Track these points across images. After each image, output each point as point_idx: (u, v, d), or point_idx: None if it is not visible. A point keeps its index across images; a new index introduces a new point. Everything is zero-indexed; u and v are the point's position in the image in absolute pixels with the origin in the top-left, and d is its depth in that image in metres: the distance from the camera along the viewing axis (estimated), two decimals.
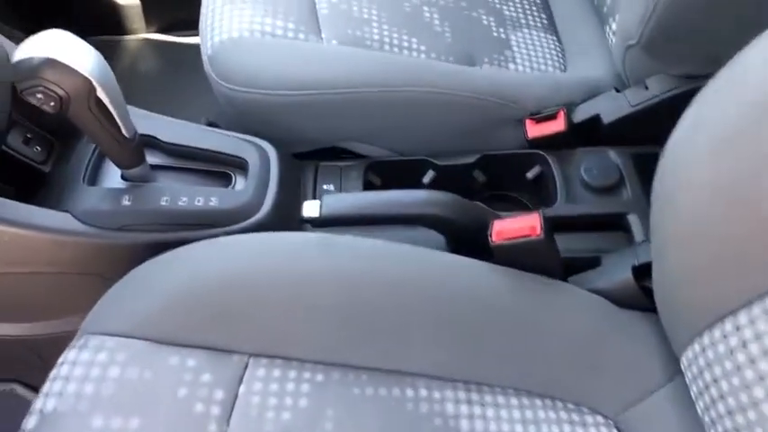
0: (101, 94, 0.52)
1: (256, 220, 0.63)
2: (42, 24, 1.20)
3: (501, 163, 0.75)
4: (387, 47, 0.77)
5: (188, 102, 1.03)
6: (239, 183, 0.67)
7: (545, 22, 0.89)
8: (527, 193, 0.78)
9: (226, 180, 0.67)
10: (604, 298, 0.59)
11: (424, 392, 0.53)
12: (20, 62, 0.49)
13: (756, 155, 0.41)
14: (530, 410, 0.53)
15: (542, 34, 0.86)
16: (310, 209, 0.62)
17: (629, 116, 0.72)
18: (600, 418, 0.53)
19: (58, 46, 0.50)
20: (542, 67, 0.82)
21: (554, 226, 0.60)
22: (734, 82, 0.45)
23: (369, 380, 0.53)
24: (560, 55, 0.84)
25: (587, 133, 0.74)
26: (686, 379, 0.51)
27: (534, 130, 0.74)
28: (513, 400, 0.53)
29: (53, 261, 0.61)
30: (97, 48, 1.20)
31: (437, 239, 0.65)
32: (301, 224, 0.63)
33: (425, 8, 0.84)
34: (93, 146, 0.65)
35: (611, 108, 0.73)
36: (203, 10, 0.80)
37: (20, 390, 0.78)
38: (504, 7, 0.88)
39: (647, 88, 0.72)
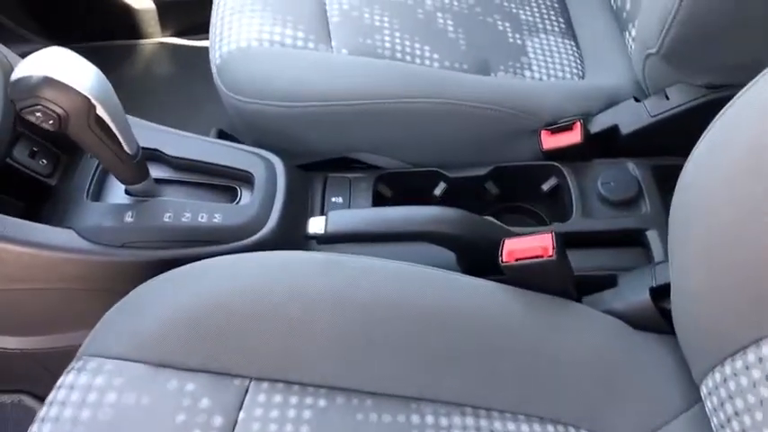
0: (100, 111, 0.51)
1: (261, 236, 0.62)
2: (59, 28, 1.21)
3: (514, 175, 0.73)
4: (398, 55, 0.75)
5: (201, 107, 1.03)
6: (245, 197, 0.66)
7: (563, 26, 0.86)
8: (542, 205, 0.75)
9: (232, 194, 0.66)
10: (620, 320, 0.57)
11: (430, 419, 0.51)
12: (18, 81, 0.48)
13: None
14: None
15: (560, 40, 0.83)
16: (315, 225, 0.60)
17: (648, 127, 0.69)
18: None
19: (56, 64, 0.49)
20: (559, 74, 0.79)
21: (569, 242, 0.57)
22: (758, 100, 0.42)
23: (373, 405, 0.51)
24: (578, 61, 0.82)
25: (605, 144, 0.72)
26: (706, 408, 0.49)
27: (549, 142, 0.71)
28: (524, 427, 0.51)
29: (58, 278, 0.60)
30: (112, 52, 1.20)
31: (447, 255, 0.63)
32: (307, 240, 0.62)
33: (439, 14, 0.82)
34: (98, 161, 0.64)
35: (629, 118, 0.70)
36: (212, 19, 0.79)
37: (28, 401, 0.78)
38: (521, 12, 0.86)
39: (667, 98, 0.69)
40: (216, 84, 0.75)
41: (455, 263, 0.64)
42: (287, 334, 0.53)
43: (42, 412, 0.49)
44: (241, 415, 0.49)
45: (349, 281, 0.55)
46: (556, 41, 0.83)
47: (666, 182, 0.63)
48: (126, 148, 0.56)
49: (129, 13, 1.19)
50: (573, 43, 0.84)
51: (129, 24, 1.20)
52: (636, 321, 0.57)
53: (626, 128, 0.70)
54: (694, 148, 0.48)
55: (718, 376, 0.46)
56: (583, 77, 0.80)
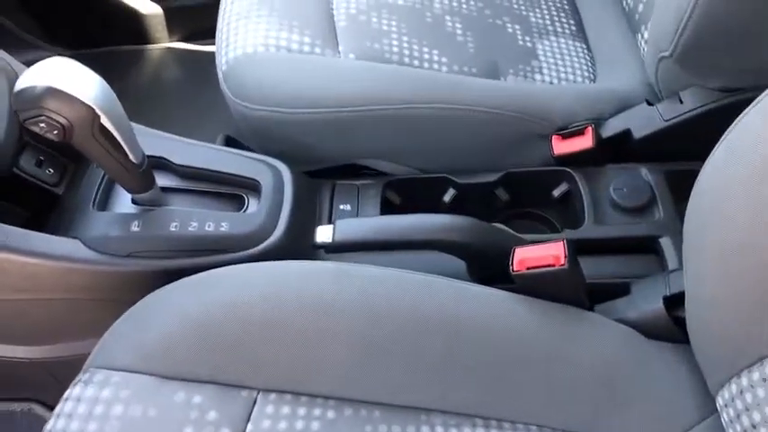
0: (105, 121, 0.51)
1: (268, 244, 0.61)
2: (65, 34, 1.21)
3: (525, 181, 0.72)
4: (407, 60, 0.74)
5: (209, 112, 1.02)
6: (252, 205, 0.65)
7: (574, 28, 0.85)
8: (553, 211, 0.74)
9: (239, 202, 0.66)
10: (633, 329, 0.56)
11: (440, 430, 0.50)
12: (22, 91, 0.48)
13: None
14: None
15: (571, 42, 0.82)
16: (323, 234, 0.59)
17: (661, 131, 0.68)
18: None
19: (60, 74, 0.48)
20: (570, 77, 0.78)
21: (580, 249, 0.56)
22: None
23: (382, 416, 0.50)
24: (590, 64, 0.80)
25: (617, 149, 0.70)
26: (722, 420, 0.48)
27: (561, 147, 0.70)
28: None
29: (63, 288, 0.60)
30: (119, 58, 1.20)
31: (457, 263, 0.62)
32: (315, 249, 0.61)
33: (447, 18, 0.81)
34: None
35: (642, 122, 0.69)
36: (219, 25, 0.79)
37: (38, 409, 0.78)
38: (531, 14, 0.85)
39: (681, 102, 0.67)
40: (222, 90, 0.75)
41: (465, 271, 0.63)
42: (295, 345, 0.52)
43: (50, 425, 0.48)
44: (249, 427, 0.49)
45: (358, 291, 0.54)
46: (567, 44, 0.82)
47: (680, 188, 0.62)
48: (131, 157, 0.55)
49: (136, 18, 1.19)
50: (584, 46, 0.83)
51: (137, 30, 1.20)
52: (649, 330, 0.55)
53: (638, 132, 0.69)
54: (711, 154, 0.47)
55: (734, 388, 0.45)
56: (594, 81, 0.78)
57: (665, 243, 0.62)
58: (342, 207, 0.70)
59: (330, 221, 0.69)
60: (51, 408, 0.73)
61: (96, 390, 0.49)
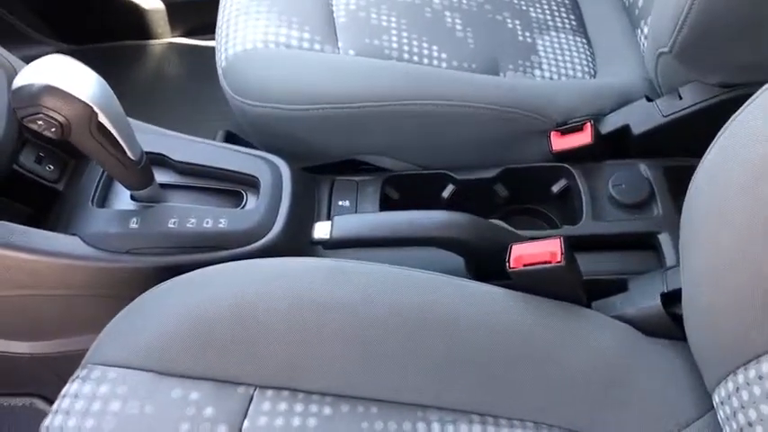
0: (102, 119, 0.51)
1: (266, 241, 0.61)
2: (67, 29, 1.21)
3: (524, 177, 0.71)
4: (406, 56, 0.74)
5: (210, 108, 1.02)
6: (251, 201, 0.65)
7: (574, 24, 0.84)
8: (552, 207, 0.74)
9: (237, 198, 0.66)
10: (630, 325, 0.56)
11: (437, 426, 0.50)
12: (19, 89, 0.48)
13: None
14: None
15: (571, 37, 0.82)
16: (321, 230, 0.60)
17: (660, 127, 0.67)
18: None
19: (57, 72, 0.49)
20: (570, 72, 0.78)
21: (578, 245, 0.56)
22: None
23: (379, 413, 0.50)
24: (590, 60, 0.80)
25: (616, 145, 0.70)
26: (719, 417, 0.48)
27: (559, 143, 0.70)
28: None
29: (64, 284, 0.60)
30: (122, 52, 1.20)
31: (455, 260, 0.62)
32: (313, 245, 0.61)
33: (447, 13, 0.80)
34: None
35: (641, 118, 0.69)
36: (219, 21, 0.79)
37: (39, 404, 0.78)
38: (531, 9, 0.84)
39: (680, 97, 0.67)
40: (222, 86, 0.75)
41: (463, 267, 0.63)
42: (292, 342, 0.52)
43: (47, 421, 0.49)
44: (245, 423, 0.49)
45: (355, 288, 0.54)
46: (567, 39, 0.81)
47: (679, 183, 0.61)
48: (129, 153, 0.56)
49: (138, 13, 1.19)
50: (584, 41, 0.82)
51: (139, 25, 1.20)
52: (646, 327, 0.55)
53: (638, 128, 0.69)
54: (707, 152, 0.47)
55: (731, 385, 0.45)
56: (594, 76, 0.78)
57: (664, 239, 0.62)
58: (340, 203, 0.70)
59: (329, 218, 0.69)
60: (52, 402, 0.74)
61: (93, 386, 0.50)
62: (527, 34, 0.81)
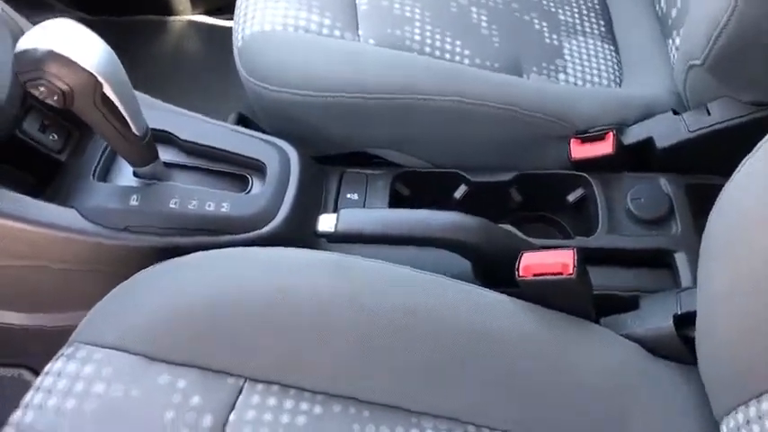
0: (107, 90, 0.49)
1: (269, 229, 0.59)
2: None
3: (540, 183, 0.69)
4: (428, 49, 0.72)
5: (225, 89, 1.00)
6: (256, 187, 0.63)
7: (603, 29, 0.82)
8: (566, 216, 0.72)
9: (242, 183, 0.64)
10: (639, 345, 0.54)
11: None
12: (23, 52, 0.46)
13: None
14: None
15: (599, 43, 0.79)
16: (326, 223, 0.58)
17: (685, 142, 0.65)
18: None
19: (63, 38, 0.47)
20: (596, 79, 0.75)
21: (591, 257, 0.54)
22: None
23: (371, 416, 0.49)
24: (616, 67, 0.78)
25: (638, 157, 0.68)
26: None
27: (579, 151, 0.67)
28: None
29: (59, 257, 0.59)
30: (141, 26, 1.18)
31: (462, 262, 0.60)
32: (317, 238, 0.59)
33: (473, 9, 0.78)
34: None
35: (666, 132, 0.66)
36: (238, 0, 0.77)
37: (27, 375, 0.77)
38: (560, 11, 0.82)
39: (708, 113, 0.64)
40: (237, 66, 0.73)
41: (470, 271, 0.61)
42: (287, 335, 0.50)
43: (27, 397, 0.47)
44: (232, 416, 0.47)
45: (357, 286, 0.52)
46: (594, 45, 0.79)
47: (701, 202, 0.59)
48: (133, 128, 0.54)
49: None
50: (612, 48, 0.80)
51: (161, 0, 1.19)
52: (656, 348, 0.53)
53: (661, 141, 0.66)
54: (736, 171, 0.45)
55: (740, 417, 0.43)
56: (620, 84, 0.76)
57: (680, 259, 0.60)
58: (349, 196, 0.68)
59: (335, 210, 0.67)
60: None
61: (78, 365, 0.48)
62: (554, 37, 0.79)
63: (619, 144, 0.67)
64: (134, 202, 0.58)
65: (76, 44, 0.47)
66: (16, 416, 0.46)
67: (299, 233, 0.61)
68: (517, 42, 0.76)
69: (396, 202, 0.69)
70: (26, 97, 0.60)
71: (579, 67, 0.76)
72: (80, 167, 0.61)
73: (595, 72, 0.76)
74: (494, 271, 0.58)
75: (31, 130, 0.61)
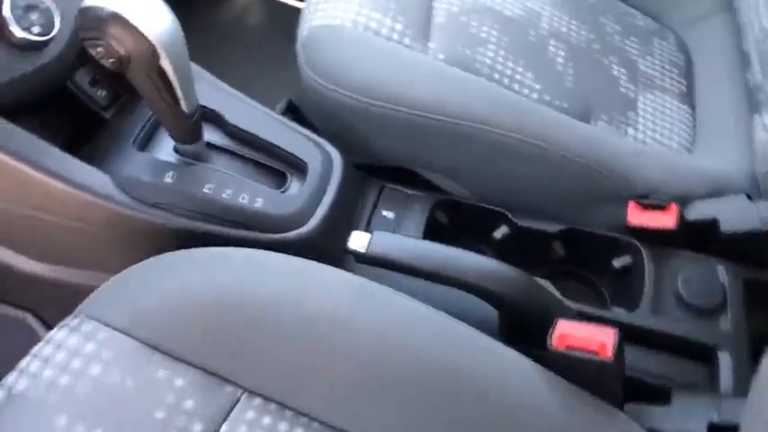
0: (164, 62, 0.47)
1: (299, 234, 0.57)
2: None
3: (587, 241, 0.65)
4: (497, 75, 0.68)
5: (281, 72, 0.98)
6: (293, 186, 0.61)
7: (683, 89, 0.77)
8: (607, 282, 0.67)
9: (281, 179, 0.61)
10: None
11: None
12: (86, 9, 0.44)
13: None
14: None
15: (676, 102, 0.75)
16: (357, 241, 0.55)
17: (754, 233, 0.60)
18: None
19: (131, 2, 0.44)
20: (666, 140, 0.71)
21: (627, 335, 0.50)
22: None
23: None
24: (690, 132, 0.73)
25: (697, 236, 0.63)
26: None
27: (637, 217, 0.63)
28: None
29: (83, 218, 0.57)
30: None
31: (489, 308, 0.57)
32: (345, 254, 0.56)
33: (552, 41, 0.74)
34: None
35: (734, 216, 0.61)
36: None
37: (31, 320, 0.76)
38: (641, 61, 0.78)
39: None
40: (298, 56, 0.70)
41: (495, 317, 0.58)
42: (295, 353, 0.48)
43: (24, 363, 0.45)
44: (224, 427, 0.45)
45: (375, 317, 0.49)
46: (671, 103, 0.74)
47: (758, 299, 0.55)
48: (183, 106, 0.52)
49: None
50: (689, 110, 0.75)
51: None
52: None
53: (727, 226, 0.61)
54: None
55: None
56: (690, 152, 0.71)
57: (724, 359, 0.55)
58: (384, 213, 0.65)
59: (369, 224, 0.64)
60: (45, 323, 0.72)
61: (80, 341, 0.46)
62: (630, 86, 0.75)
63: (681, 219, 0.62)
64: (168, 179, 0.55)
65: (143, 10, 0.45)
66: (10, 379, 0.45)
67: (327, 243, 0.58)
68: (591, 85, 0.72)
69: (432, 228, 0.66)
70: (84, 50, 0.58)
71: (651, 124, 0.72)
72: (122, 130, 0.59)
73: (666, 133, 0.72)
74: (522, 328, 0.55)
75: (82, 82, 0.60)
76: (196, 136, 0.57)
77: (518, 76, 0.69)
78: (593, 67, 0.74)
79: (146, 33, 0.45)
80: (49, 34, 0.54)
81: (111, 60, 0.47)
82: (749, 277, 0.61)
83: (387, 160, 0.70)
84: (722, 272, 0.61)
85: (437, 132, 0.65)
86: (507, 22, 0.74)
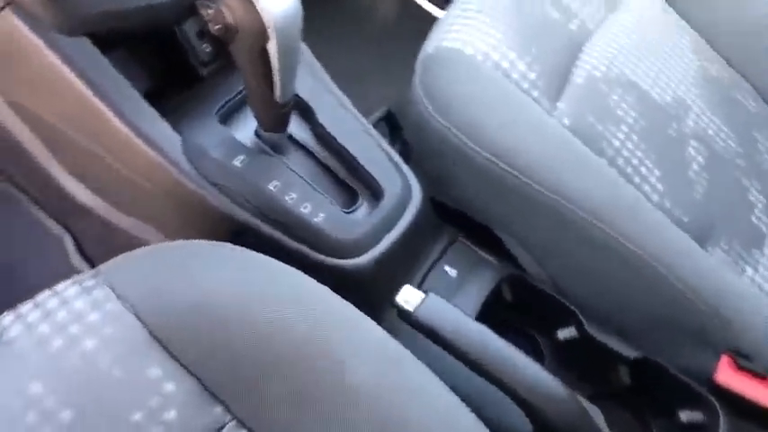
0: (271, 45, 0.43)
1: (349, 265, 0.51)
2: None
3: (662, 380, 0.56)
4: (620, 162, 0.61)
5: (391, 78, 0.93)
6: (361, 210, 0.55)
7: None
8: (665, 428, 0.59)
9: (350, 198, 0.56)
10: None
11: None
12: None
13: None
14: None
15: None
16: (407, 297, 0.49)
17: None
18: None
19: None
20: None
21: None
22: None
23: None
24: None
25: None
26: None
27: (728, 377, 0.54)
28: None
29: (142, 173, 0.53)
30: None
31: (521, 418, 0.50)
32: (390, 306, 0.51)
33: (693, 142, 0.65)
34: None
35: None
36: (452, 6, 0.68)
37: (68, 244, 0.74)
38: None
39: None
40: (415, 69, 0.65)
41: (527, 426, 0.51)
42: (299, 400, 0.42)
43: (24, 308, 0.42)
44: None
45: (399, 388, 0.43)
46: None
47: None
48: (277, 94, 0.47)
49: None
50: None
51: None
52: None
53: None
54: None
55: None
56: None
57: None
58: (447, 268, 0.59)
59: (426, 276, 0.58)
60: (84, 254, 0.69)
61: (87, 306, 0.42)
62: (763, 219, 0.65)
63: None
64: (237, 162, 0.51)
65: None
66: (6, 320, 0.42)
67: (376, 284, 0.53)
68: (721, 205, 0.63)
69: (493, 301, 0.59)
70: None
71: None
72: (209, 95, 0.55)
73: None
74: None
75: (190, 31, 0.56)
76: (282, 126, 0.52)
77: (643, 170, 0.61)
78: (729, 184, 0.65)
79: (260, 9, 0.41)
80: None
81: (217, 27, 0.43)
82: None
83: (468, 210, 0.64)
84: None
85: (534, 204, 0.58)
86: (650, 106, 0.66)
